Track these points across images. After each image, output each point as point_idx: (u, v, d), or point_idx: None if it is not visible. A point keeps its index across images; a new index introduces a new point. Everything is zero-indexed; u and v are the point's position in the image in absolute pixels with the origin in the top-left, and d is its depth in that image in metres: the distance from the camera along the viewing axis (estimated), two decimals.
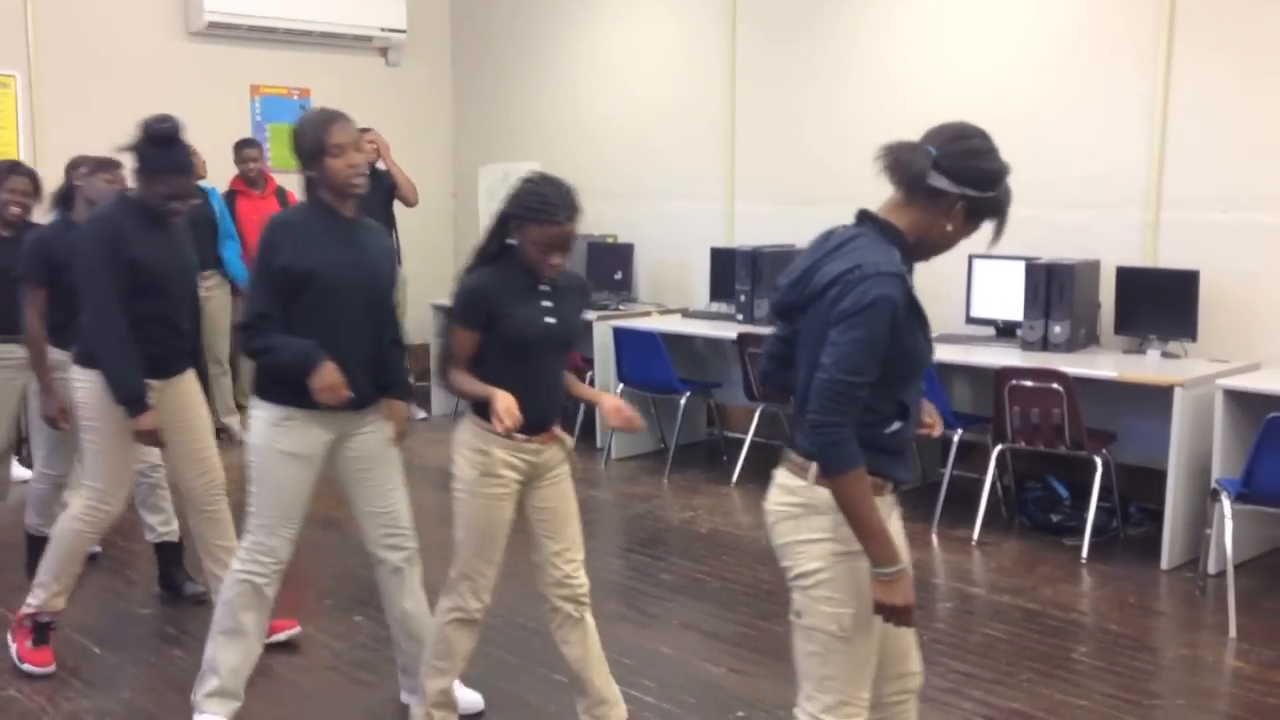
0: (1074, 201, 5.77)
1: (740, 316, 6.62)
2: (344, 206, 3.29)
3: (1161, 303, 5.36)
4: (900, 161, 2.24)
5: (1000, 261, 5.74)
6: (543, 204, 2.95)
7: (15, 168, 4.79)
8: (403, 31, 8.62)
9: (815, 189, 6.74)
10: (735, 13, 7.19)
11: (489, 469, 3.06)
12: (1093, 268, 5.61)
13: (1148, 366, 5.18)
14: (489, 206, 8.77)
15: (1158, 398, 4.92)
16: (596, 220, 7.00)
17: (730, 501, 6.11)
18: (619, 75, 7.95)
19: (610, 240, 7.77)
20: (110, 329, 3.64)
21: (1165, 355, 5.34)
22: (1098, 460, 5.09)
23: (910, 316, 2.23)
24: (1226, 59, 5.31)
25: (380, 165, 7.48)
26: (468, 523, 3.11)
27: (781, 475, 2.38)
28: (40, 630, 3.93)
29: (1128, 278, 5.49)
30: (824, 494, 2.26)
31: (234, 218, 7.26)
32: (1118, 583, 4.81)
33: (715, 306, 7.08)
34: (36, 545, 4.40)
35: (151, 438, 3.75)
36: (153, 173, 3.64)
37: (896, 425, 2.30)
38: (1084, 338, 5.56)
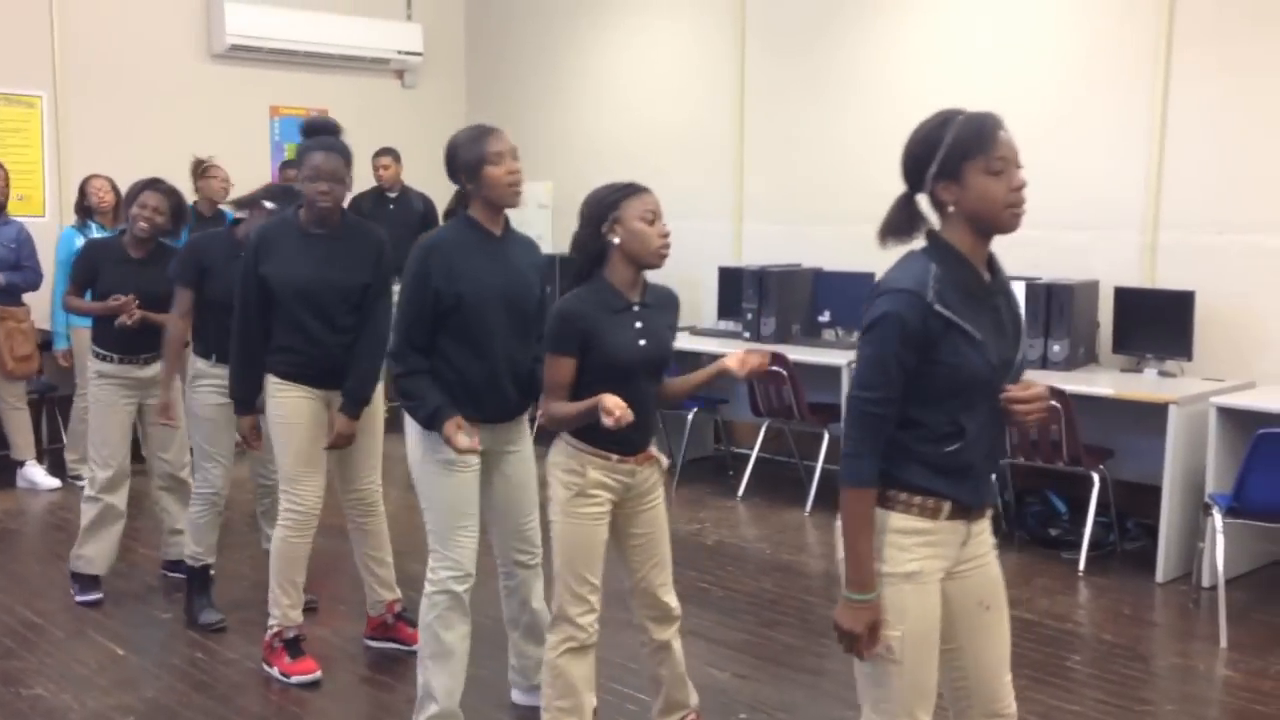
0: (1074, 223, 5.90)
1: (747, 334, 6.76)
2: (494, 223, 3.33)
3: (1158, 322, 5.48)
4: (895, 221, 2.29)
5: None
6: (619, 184, 3.05)
7: (153, 183, 4.68)
8: (419, 55, 8.80)
9: (823, 207, 6.90)
10: (744, 33, 7.35)
11: (583, 489, 3.02)
12: (1092, 288, 5.74)
13: (1144, 385, 5.30)
14: None
15: (1154, 415, 5.03)
16: None
17: (736, 514, 6.23)
18: (627, 96, 8.12)
19: None
20: (236, 335, 3.90)
21: (1162, 374, 5.47)
22: (1095, 476, 5.21)
23: (948, 331, 2.18)
24: (1223, 83, 5.45)
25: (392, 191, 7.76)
26: (564, 546, 3.05)
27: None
28: (291, 645, 4.00)
29: (1126, 298, 5.62)
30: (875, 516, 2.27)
31: None
32: (1113, 595, 4.92)
33: (723, 324, 7.21)
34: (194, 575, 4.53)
35: (246, 437, 4.05)
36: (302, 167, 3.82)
37: (955, 445, 2.24)
38: (1083, 356, 5.69)
